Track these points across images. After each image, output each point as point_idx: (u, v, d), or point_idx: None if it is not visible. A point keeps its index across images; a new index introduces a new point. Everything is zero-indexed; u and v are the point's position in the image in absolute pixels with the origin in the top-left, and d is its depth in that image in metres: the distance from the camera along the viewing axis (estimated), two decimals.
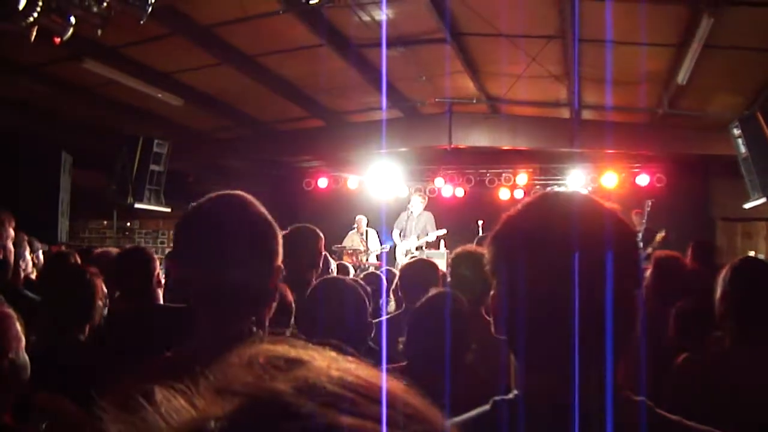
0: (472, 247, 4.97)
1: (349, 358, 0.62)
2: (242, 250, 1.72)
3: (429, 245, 13.12)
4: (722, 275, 3.10)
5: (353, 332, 3.22)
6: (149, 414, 0.55)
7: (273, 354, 0.60)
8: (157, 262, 4.08)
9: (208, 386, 0.57)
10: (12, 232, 3.67)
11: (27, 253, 4.23)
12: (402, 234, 13.34)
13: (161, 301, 4.06)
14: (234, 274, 1.69)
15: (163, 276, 4.31)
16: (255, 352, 0.60)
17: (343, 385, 0.56)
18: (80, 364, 3.03)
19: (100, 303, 3.50)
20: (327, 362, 0.60)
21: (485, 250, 1.37)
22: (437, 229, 13.21)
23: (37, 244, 5.93)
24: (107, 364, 2.94)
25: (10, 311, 2.25)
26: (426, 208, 13.55)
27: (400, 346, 3.27)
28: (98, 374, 2.88)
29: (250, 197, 1.80)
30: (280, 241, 1.81)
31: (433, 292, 3.41)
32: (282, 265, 1.80)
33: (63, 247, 8.31)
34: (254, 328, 1.74)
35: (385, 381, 0.60)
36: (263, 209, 1.80)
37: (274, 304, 1.81)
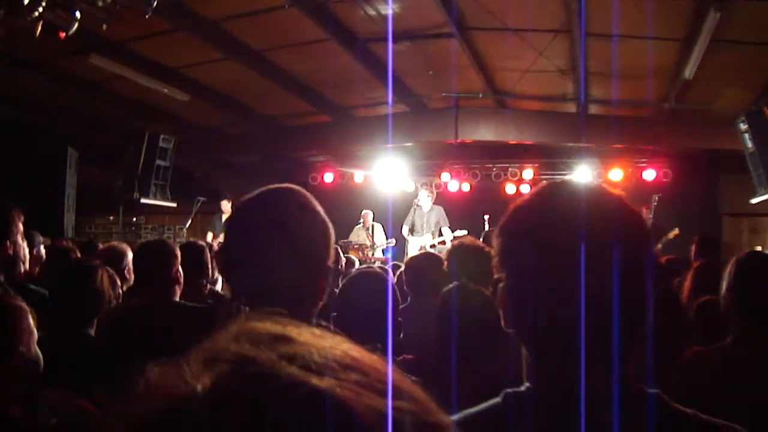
0: (468, 239, 4.96)
1: (336, 336, 0.64)
2: (295, 249, 1.65)
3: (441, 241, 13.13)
4: (727, 270, 3.10)
5: (390, 328, 3.18)
6: (140, 387, 0.58)
7: (260, 329, 0.62)
8: (178, 258, 4.02)
9: (197, 358, 0.59)
10: (21, 228, 3.67)
11: (24, 245, 4.23)
12: (412, 230, 13.31)
13: (177, 298, 4.02)
14: (285, 272, 1.63)
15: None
16: (242, 327, 0.62)
17: (328, 357, 0.59)
18: (88, 359, 3.03)
19: (107, 296, 3.49)
20: (313, 338, 0.62)
21: (492, 242, 1.36)
22: (449, 222, 13.20)
23: (38, 238, 5.94)
24: (116, 360, 2.95)
25: (23, 304, 2.25)
26: (434, 203, 13.54)
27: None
28: (106, 370, 2.88)
29: (306, 193, 1.74)
30: (333, 241, 1.75)
31: (451, 285, 3.38)
32: (332, 265, 1.74)
33: (64, 242, 8.31)
34: (242, 307, 1.70)
35: (362, 354, 0.62)
36: (319, 207, 1.73)
37: (321, 304, 1.75)
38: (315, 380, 0.55)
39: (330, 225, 1.75)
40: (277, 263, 1.63)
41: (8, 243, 3.56)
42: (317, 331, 0.64)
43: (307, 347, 0.59)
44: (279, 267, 1.63)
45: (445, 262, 4.62)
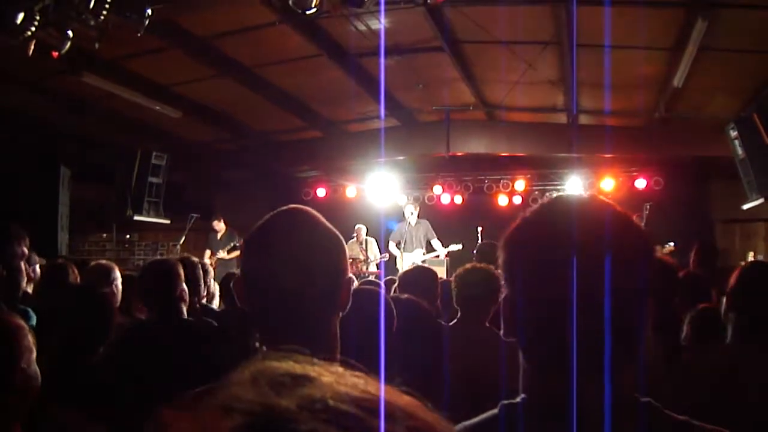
0: (476, 264, 4.99)
1: (357, 372, 0.62)
2: (316, 268, 1.70)
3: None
4: (732, 276, 3.20)
5: (383, 348, 3.18)
6: None
7: (278, 371, 0.59)
8: (182, 276, 4.07)
9: (213, 404, 0.57)
10: (26, 251, 3.68)
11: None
12: (402, 245, 13.32)
13: (184, 315, 4.04)
14: (308, 291, 1.68)
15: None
16: (260, 368, 0.60)
17: (348, 401, 0.56)
18: (96, 380, 3.04)
19: (115, 322, 3.51)
20: (333, 378, 0.59)
21: (498, 254, 1.38)
22: (435, 235, 13.25)
23: (35, 258, 5.94)
24: (125, 380, 2.97)
25: (22, 323, 2.29)
26: (423, 216, 13.58)
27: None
28: (112, 394, 2.90)
29: (315, 212, 1.79)
30: (347, 254, 1.81)
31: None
32: (351, 277, 1.80)
33: (59, 261, 8.30)
34: (257, 345, 1.74)
35: (392, 396, 0.59)
36: (329, 224, 1.79)
37: (341, 315, 1.80)
38: None
39: (342, 240, 1.80)
40: (300, 284, 1.68)
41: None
42: (339, 370, 0.61)
43: (328, 392, 0.57)
44: (302, 287, 1.68)
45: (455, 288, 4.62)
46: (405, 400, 0.60)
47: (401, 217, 13.79)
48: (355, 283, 1.87)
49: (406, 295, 3.69)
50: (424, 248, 13.26)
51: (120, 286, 5.04)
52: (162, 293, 3.94)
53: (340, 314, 1.78)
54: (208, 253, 12.88)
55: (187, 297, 4.05)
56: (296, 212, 1.79)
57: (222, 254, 13.00)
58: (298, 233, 1.73)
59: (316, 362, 0.62)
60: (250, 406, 0.55)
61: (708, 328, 3.59)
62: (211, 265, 10.07)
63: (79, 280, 5.23)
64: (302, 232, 1.73)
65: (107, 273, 5.02)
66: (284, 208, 1.80)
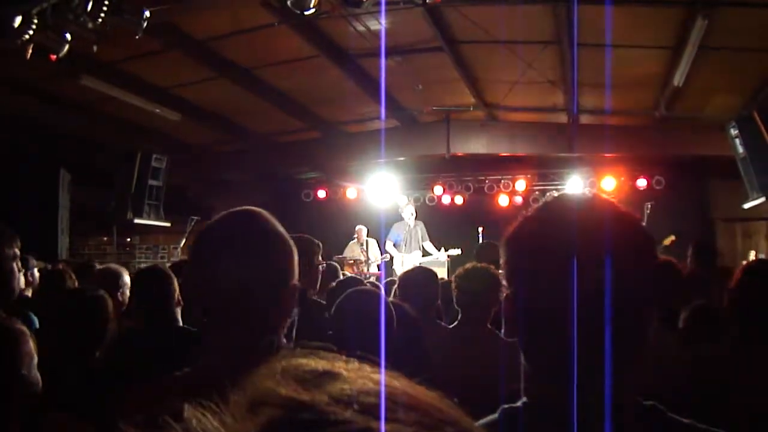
0: (476, 264, 4.97)
1: (377, 368, 0.62)
2: (254, 266, 1.67)
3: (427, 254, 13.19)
4: (735, 275, 3.19)
5: (383, 347, 3.18)
6: None
7: (305, 367, 0.60)
8: (175, 281, 4.04)
9: (240, 401, 0.57)
10: (18, 252, 3.66)
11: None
12: (404, 245, 13.32)
13: (179, 322, 4.02)
14: (253, 295, 1.66)
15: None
16: (286, 365, 0.60)
17: (377, 394, 0.57)
18: (94, 385, 3.03)
19: (113, 326, 3.50)
20: (359, 373, 0.60)
21: (500, 253, 1.36)
22: (429, 238, 13.28)
23: (32, 262, 5.93)
24: (119, 387, 2.95)
25: (24, 328, 2.28)
26: (422, 217, 13.59)
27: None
28: (109, 398, 2.89)
29: (265, 213, 1.76)
30: (296, 259, 1.77)
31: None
32: (297, 284, 1.77)
33: (60, 265, 8.29)
34: (275, 341, 1.72)
35: (418, 391, 0.60)
36: (279, 225, 1.76)
37: (288, 321, 1.78)
38: (375, 424, 0.53)
39: (292, 244, 1.77)
40: (244, 287, 1.66)
41: None
42: (363, 366, 0.62)
43: (358, 386, 0.57)
44: (247, 290, 1.66)
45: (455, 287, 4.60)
46: (430, 395, 0.60)
47: (398, 218, 13.78)
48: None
49: (391, 299, 3.68)
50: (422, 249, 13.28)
51: (128, 291, 5.01)
52: (155, 301, 3.92)
53: (287, 320, 1.77)
54: None
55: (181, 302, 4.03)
56: (240, 215, 1.76)
57: None
58: (235, 237, 1.70)
59: (339, 358, 0.63)
60: (283, 401, 0.55)
61: (703, 326, 3.58)
62: None
63: (77, 285, 5.21)
64: (241, 236, 1.71)
65: (116, 277, 5.00)
66: (232, 210, 1.78)
